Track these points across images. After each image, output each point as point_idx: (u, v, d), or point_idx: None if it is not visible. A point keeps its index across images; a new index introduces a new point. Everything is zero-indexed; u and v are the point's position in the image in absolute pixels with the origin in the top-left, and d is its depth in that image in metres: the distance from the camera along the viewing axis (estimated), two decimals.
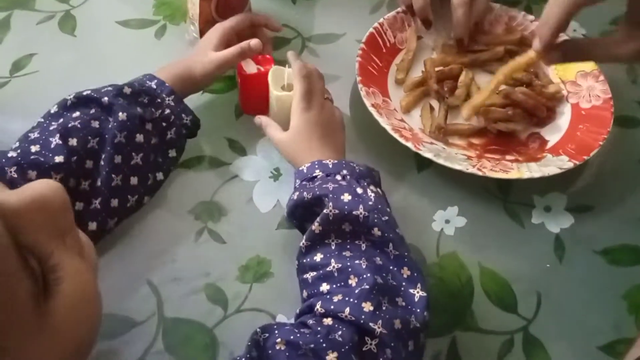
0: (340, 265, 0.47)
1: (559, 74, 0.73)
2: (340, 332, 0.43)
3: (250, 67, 0.63)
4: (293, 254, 0.58)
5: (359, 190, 0.52)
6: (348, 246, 0.49)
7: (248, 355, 0.42)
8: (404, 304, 0.46)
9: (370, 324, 0.43)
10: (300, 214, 0.53)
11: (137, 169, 0.55)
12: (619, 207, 0.64)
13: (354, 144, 0.67)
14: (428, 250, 0.59)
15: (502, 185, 0.64)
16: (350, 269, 0.47)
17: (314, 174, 0.54)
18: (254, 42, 0.63)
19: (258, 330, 0.44)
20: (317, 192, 0.51)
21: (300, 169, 0.55)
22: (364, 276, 0.46)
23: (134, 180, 0.55)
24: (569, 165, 0.62)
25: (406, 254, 0.49)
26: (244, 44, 0.62)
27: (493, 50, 0.73)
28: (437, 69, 0.71)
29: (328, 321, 0.44)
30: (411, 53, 0.73)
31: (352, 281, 0.46)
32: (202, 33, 0.69)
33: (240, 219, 0.59)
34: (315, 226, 0.49)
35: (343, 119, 0.62)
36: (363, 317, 0.44)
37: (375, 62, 0.71)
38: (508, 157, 0.65)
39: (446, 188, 0.63)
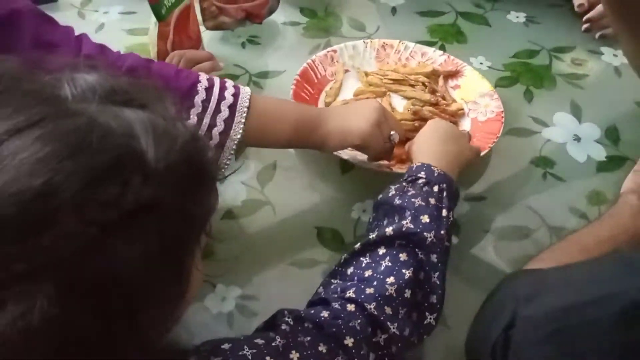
0: (390, 265, 0.55)
1: (462, 96, 0.88)
2: (359, 321, 0.50)
3: None
4: None
5: (443, 213, 0.59)
6: (406, 253, 0.56)
7: (271, 334, 0.48)
8: (415, 320, 0.55)
9: (388, 323, 0.51)
10: (385, 209, 0.61)
11: None
12: (509, 197, 0.77)
13: (291, 154, 0.80)
14: (346, 233, 0.71)
15: None
16: (394, 272, 0.54)
17: (419, 175, 0.62)
18: None
19: (286, 312, 0.50)
20: (402, 203, 0.59)
21: (411, 165, 0.65)
22: (400, 283, 0.53)
23: None
24: None
25: (441, 286, 0.57)
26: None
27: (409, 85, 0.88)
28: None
29: (351, 307, 0.51)
30: (339, 82, 0.88)
31: (389, 281, 0.53)
32: None
33: None
34: (389, 230, 0.57)
35: (478, 149, 0.74)
36: (383, 316, 0.51)
37: (307, 90, 0.86)
38: None
39: (365, 185, 0.76)
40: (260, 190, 0.75)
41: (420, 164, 0.64)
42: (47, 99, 0.36)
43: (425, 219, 0.58)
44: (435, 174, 0.62)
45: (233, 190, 0.74)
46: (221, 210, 0.71)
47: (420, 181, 0.62)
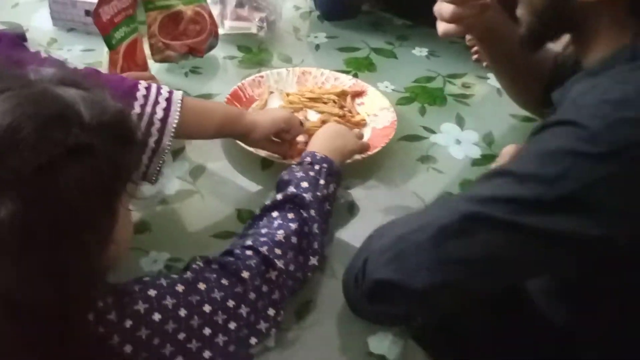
0: (281, 222, 0.72)
1: (366, 110, 1.06)
2: (254, 261, 0.66)
3: None
4: None
5: (321, 182, 0.77)
6: (293, 213, 0.73)
7: (184, 276, 0.62)
8: (302, 261, 0.71)
9: (276, 260, 0.67)
10: (280, 186, 0.78)
11: None
12: (398, 185, 0.94)
13: (220, 155, 0.96)
14: None
15: None
16: (283, 226, 0.71)
17: (305, 159, 0.81)
18: None
19: (197, 257, 0.65)
20: (289, 178, 0.77)
21: (302, 154, 0.83)
22: (288, 233, 0.70)
23: None
24: (358, 158, 0.93)
25: (321, 235, 0.73)
26: None
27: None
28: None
29: (249, 252, 0.67)
30: (264, 100, 1.06)
31: (279, 232, 0.70)
32: None
33: None
34: (279, 196, 0.75)
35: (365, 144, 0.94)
36: (272, 255, 0.67)
37: (237, 107, 1.03)
38: None
39: None
40: (192, 183, 0.91)
41: (307, 152, 0.83)
42: (15, 78, 0.53)
43: (304, 184, 0.76)
44: (318, 157, 0.81)
45: (169, 183, 0.90)
46: (157, 198, 0.87)
47: (305, 162, 0.81)
